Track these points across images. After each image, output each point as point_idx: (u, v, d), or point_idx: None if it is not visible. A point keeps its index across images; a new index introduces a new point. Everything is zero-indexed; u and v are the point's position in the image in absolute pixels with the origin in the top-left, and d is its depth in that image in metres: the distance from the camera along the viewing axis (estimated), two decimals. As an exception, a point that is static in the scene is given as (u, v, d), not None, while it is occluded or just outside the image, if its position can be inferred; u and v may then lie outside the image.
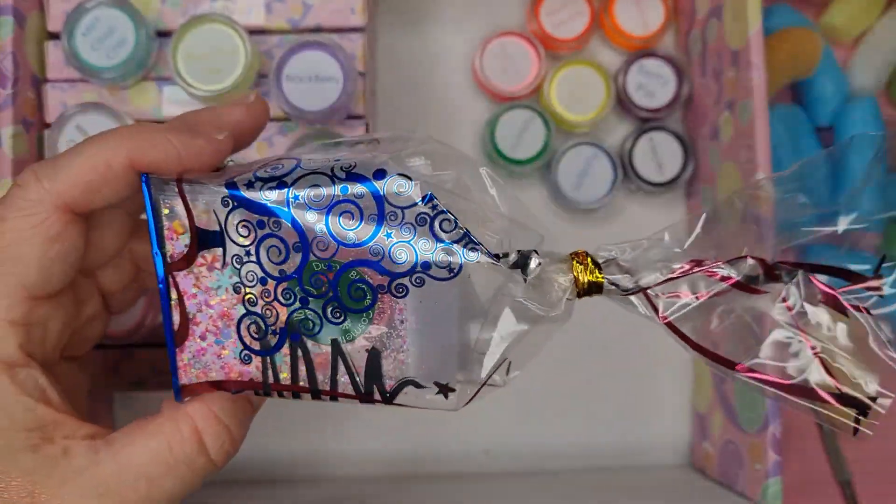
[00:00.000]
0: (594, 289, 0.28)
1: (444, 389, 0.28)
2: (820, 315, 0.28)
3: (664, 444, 0.49)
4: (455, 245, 0.27)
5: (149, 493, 0.28)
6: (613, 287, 0.28)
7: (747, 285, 0.28)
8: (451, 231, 0.27)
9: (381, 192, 0.27)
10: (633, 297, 0.28)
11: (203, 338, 0.29)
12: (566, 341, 0.49)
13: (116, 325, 0.40)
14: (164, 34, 0.42)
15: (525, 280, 0.28)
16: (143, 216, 0.30)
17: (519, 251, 0.28)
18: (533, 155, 0.48)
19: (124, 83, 0.41)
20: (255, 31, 0.41)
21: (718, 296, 0.28)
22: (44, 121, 0.42)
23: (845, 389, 0.27)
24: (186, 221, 0.28)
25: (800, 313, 0.28)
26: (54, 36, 0.42)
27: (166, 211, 0.29)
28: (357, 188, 0.27)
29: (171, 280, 0.29)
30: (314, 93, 0.40)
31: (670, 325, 0.29)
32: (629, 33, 0.48)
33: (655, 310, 0.28)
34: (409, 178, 0.27)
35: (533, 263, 0.28)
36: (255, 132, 0.32)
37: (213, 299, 0.29)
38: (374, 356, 0.28)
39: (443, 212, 0.27)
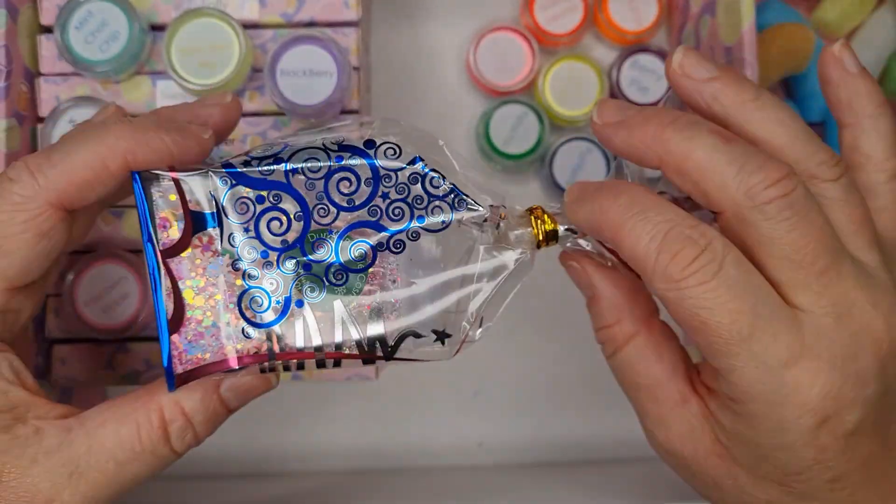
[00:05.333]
0: (551, 237, 0.31)
1: (441, 336, 0.30)
2: None
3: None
4: (445, 199, 0.30)
5: (116, 475, 0.29)
6: (568, 232, 0.31)
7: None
8: (440, 187, 0.30)
9: (374, 158, 0.30)
10: (584, 241, 0.31)
11: (200, 321, 0.29)
12: (561, 332, 0.49)
13: (111, 320, 0.40)
14: (157, 28, 0.42)
15: (498, 231, 0.31)
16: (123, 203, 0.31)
17: (491, 205, 0.31)
18: (527, 150, 0.48)
19: (118, 77, 0.41)
20: (248, 25, 0.41)
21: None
22: (37, 115, 0.41)
23: None
24: (180, 208, 0.29)
25: None
26: (47, 29, 0.42)
27: (159, 200, 0.29)
28: (350, 157, 0.30)
29: (163, 268, 0.29)
30: (308, 87, 0.40)
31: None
32: (623, 28, 0.49)
33: (611, 251, 0.31)
34: (397, 144, 0.30)
35: (503, 215, 0.31)
36: (227, 132, 0.33)
37: (210, 280, 0.29)
38: (374, 311, 0.30)
39: (431, 170, 0.30)
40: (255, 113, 0.42)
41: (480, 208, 0.30)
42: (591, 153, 0.48)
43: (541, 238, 0.31)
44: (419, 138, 0.31)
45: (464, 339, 0.30)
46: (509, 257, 0.31)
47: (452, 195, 0.30)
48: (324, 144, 0.30)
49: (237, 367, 0.30)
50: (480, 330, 0.31)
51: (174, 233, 0.29)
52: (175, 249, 0.29)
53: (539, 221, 0.31)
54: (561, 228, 0.31)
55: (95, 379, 0.42)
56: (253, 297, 0.30)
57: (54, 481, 0.28)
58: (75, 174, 0.29)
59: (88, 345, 0.42)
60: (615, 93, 0.49)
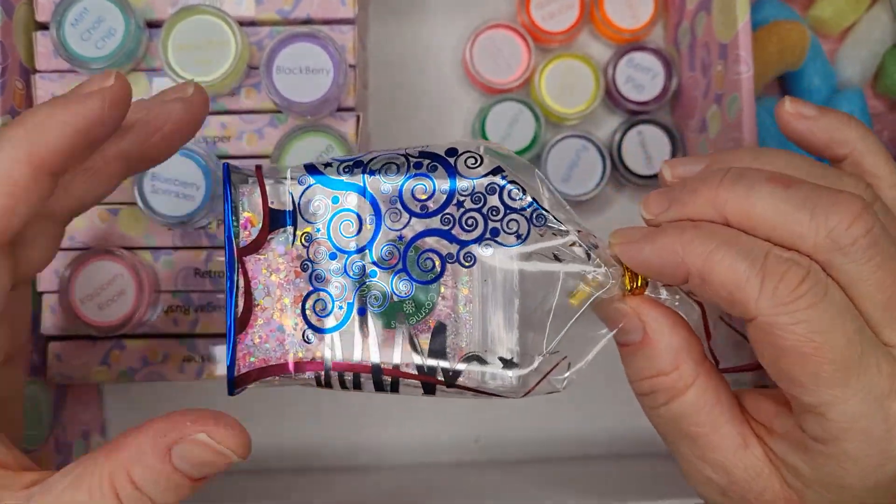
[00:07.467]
0: (644, 283, 0.29)
1: (509, 364, 0.28)
2: None
3: (652, 435, 0.50)
4: (522, 213, 0.28)
5: None
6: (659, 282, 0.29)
7: None
8: (518, 200, 0.28)
9: (454, 166, 0.29)
10: (678, 296, 0.29)
11: (267, 322, 0.29)
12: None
13: (107, 317, 0.40)
14: (153, 25, 0.41)
15: (589, 261, 0.29)
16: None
17: (579, 231, 0.29)
18: (523, 147, 0.48)
19: (114, 74, 0.41)
20: (245, 23, 0.41)
21: None
22: (33, 111, 0.41)
23: None
24: (261, 207, 0.29)
25: None
26: (43, 26, 0.42)
27: (244, 199, 0.29)
28: (430, 163, 0.29)
29: (239, 266, 0.29)
30: (305, 84, 0.40)
31: (723, 319, 0.29)
32: (619, 26, 0.49)
33: (699, 304, 0.29)
34: (480, 154, 0.29)
35: (594, 246, 0.29)
36: (194, 129, 0.31)
37: (280, 280, 0.29)
38: (438, 331, 0.28)
39: (512, 181, 0.29)
40: (251, 110, 0.42)
41: (563, 230, 0.28)
42: (587, 150, 0.48)
43: (628, 282, 0.29)
44: (519, 165, 0.29)
45: (539, 380, 0.28)
46: (591, 293, 0.28)
47: (531, 210, 0.28)
48: (406, 151, 0.29)
49: (295, 373, 0.29)
50: (568, 374, 0.29)
51: (253, 232, 0.29)
52: (251, 248, 0.29)
53: None
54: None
55: (91, 376, 0.42)
56: (317, 301, 0.29)
57: None
58: None
59: (84, 342, 0.42)
60: (611, 90, 0.49)
